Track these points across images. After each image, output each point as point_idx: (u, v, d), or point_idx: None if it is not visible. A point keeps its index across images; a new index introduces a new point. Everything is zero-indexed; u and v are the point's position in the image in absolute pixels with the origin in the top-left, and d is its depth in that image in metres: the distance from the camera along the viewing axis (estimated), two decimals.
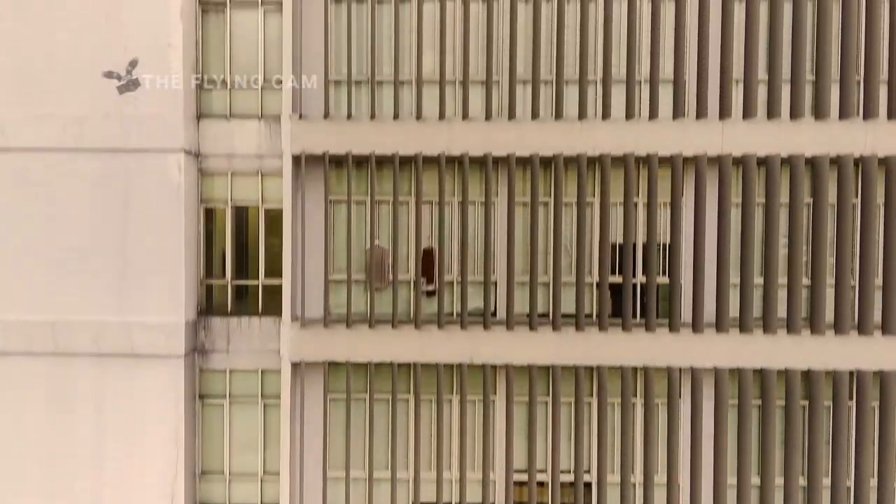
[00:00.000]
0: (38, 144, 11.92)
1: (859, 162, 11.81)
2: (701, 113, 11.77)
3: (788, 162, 11.83)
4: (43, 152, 11.93)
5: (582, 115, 11.91)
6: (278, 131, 12.46)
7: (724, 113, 11.74)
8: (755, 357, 11.81)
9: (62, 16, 11.85)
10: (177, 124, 11.93)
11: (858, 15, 11.88)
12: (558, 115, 11.94)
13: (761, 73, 12.06)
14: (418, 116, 11.96)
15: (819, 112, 11.72)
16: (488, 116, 11.90)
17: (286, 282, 11.97)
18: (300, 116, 11.99)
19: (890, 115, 11.62)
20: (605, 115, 11.95)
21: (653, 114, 11.85)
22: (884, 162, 11.74)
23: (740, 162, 11.88)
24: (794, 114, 11.73)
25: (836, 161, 11.81)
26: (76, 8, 11.81)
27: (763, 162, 11.90)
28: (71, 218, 11.96)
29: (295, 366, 12.11)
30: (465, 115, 11.92)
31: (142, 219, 11.97)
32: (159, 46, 11.86)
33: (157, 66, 11.89)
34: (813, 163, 11.84)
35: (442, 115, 11.95)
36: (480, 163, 12.15)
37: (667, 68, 12.14)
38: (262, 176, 12.66)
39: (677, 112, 11.88)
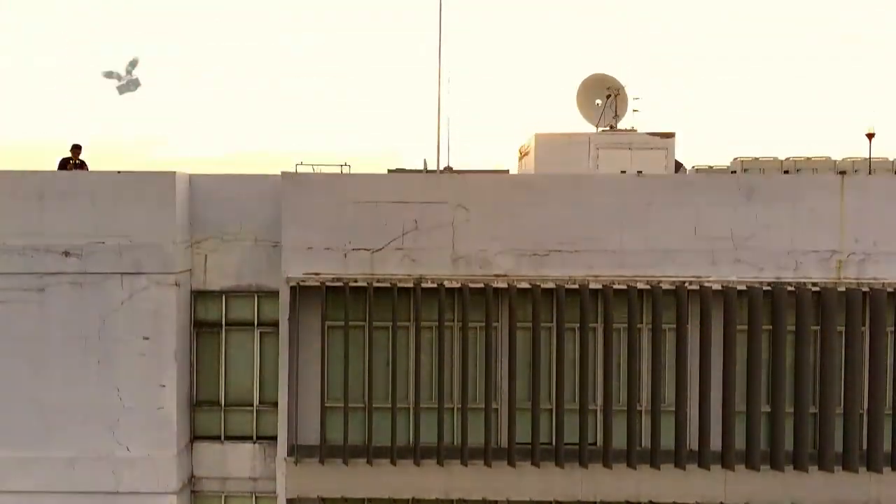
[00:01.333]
0: (28, 487, 11.66)
1: None
2: (703, 460, 11.58)
3: None
4: (32, 495, 11.67)
5: (582, 454, 11.73)
6: (273, 454, 12.22)
7: (726, 462, 11.55)
8: None
9: (50, 360, 11.64)
10: (169, 466, 11.69)
11: (862, 351, 11.73)
12: (558, 449, 11.77)
13: (764, 405, 11.89)
14: (415, 457, 11.73)
15: (823, 462, 11.52)
16: (487, 461, 11.69)
17: None
18: (296, 462, 11.73)
19: (894, 466, 11.44)
20: (606, 444, 11.80)
21: (654, 452, 11.67)
22: None
23: None
24: (798, 464, 11.53)
25: None
26: (65, 361, 11.59)
27: None
28: None
29: None
30: (463, 462, 11.71)
31: None
32: (151, 387, 11.65)
33: (149, 405, 11.67)
34: None
35: (440, 460, 11.72)
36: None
37: (668, 397, 11.97)
38: (256, 498, 12.43)
39: (679, 448, 11.69)
